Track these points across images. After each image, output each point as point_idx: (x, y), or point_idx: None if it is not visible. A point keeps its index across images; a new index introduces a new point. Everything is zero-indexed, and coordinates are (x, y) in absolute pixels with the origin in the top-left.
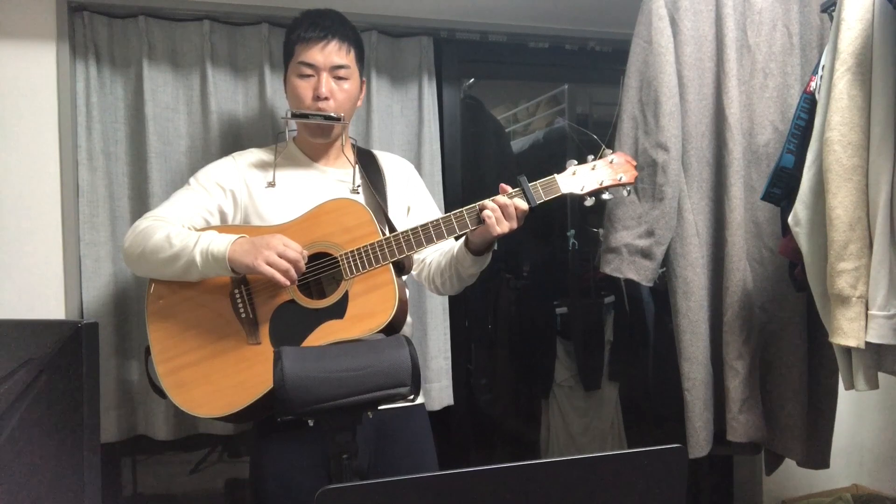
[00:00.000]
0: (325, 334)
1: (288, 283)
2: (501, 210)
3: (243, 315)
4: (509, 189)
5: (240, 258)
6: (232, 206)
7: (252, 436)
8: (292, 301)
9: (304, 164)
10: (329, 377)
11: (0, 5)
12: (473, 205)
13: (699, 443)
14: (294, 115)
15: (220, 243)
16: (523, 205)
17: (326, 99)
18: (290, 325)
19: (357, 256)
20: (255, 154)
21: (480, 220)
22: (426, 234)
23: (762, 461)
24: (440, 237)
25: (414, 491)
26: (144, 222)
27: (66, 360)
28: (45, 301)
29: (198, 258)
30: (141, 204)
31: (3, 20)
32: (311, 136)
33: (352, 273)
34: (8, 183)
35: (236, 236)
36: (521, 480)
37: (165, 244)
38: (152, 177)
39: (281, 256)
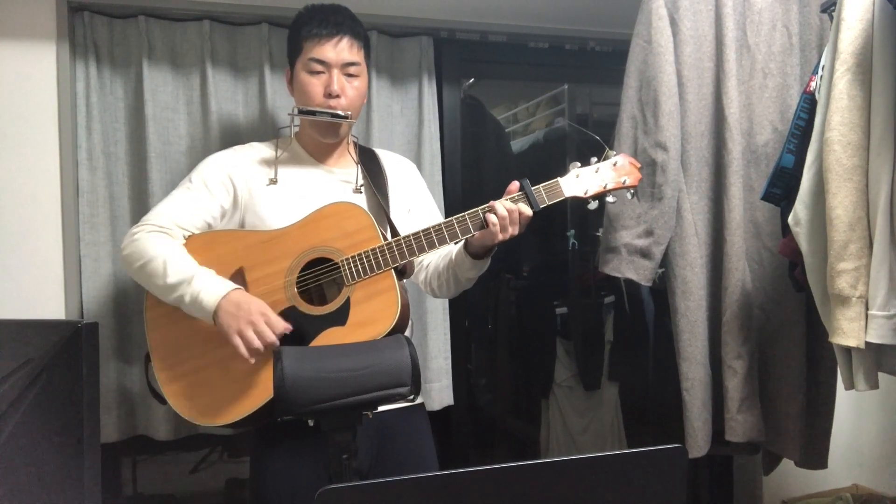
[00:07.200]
0: (327, 342)
1: (249, 358)
2: (503, 218)
3: None
4: (515, 191)
5: (222, 319)
6: (231, 204)
7: (252, 436)
8: (293, 307)
9: (308, 162)
10: (329, 377)
11: (0, 5)
12: (476, 209)
13: (698, 443)
14: (301, 112)
15: (211, 295)
16: (527, 210)
17: (338, 96)
18: (292, 333)
19: (358, 262)
20: (256, 149)
21: (482, 225)
22: (428, 239)
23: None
24: (442, 242)
25: (414, 491)
26: (144, 232)
27: (66, 360)
28: (45, 301)
29: (186, 299)
30: (141, 204)
31: (3, 20)
32: (321, 136)
33: (353, 279)
34: (8, 183)
35: (229, 289)
36: (521, 480)
37: (161, 271)
38: (152, 177)
39: (258, 334)
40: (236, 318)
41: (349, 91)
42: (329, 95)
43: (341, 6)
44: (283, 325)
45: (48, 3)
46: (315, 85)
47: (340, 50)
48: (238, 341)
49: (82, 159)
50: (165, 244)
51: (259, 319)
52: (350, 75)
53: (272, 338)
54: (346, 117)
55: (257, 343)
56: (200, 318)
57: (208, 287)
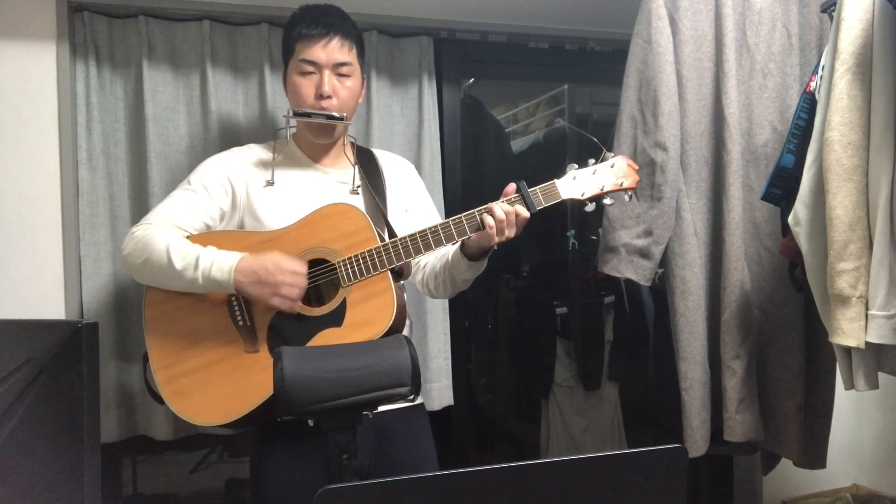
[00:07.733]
0: (323, 343)
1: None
2: (500, 220)
3: (241, 323)
4: (512, 193)
5: (247, 289)
6: (230, 205)
7: (252, 436)
8: None
9: (304, 164)
10: (329, 377)
11: (0, 5)
12: (472, 211)
13: (696, 442)
14: (296, 114)
15: (223, 267)
16: (524, 212)
17: (329, 97)
18: (288, 333)
19: (355, 263)
20: (254, 151)
21: (479, 227)
22: (424, 241)
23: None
24: (438, 244)
25: (414, 491)
26: (143, 230)
27: (66, 360)
28: (45, 301)
29: (200, 279)
30: (141, 204)
31: (3, 20)
32: (314, 137)
33: (350, 280)
34: (8, 183)
35: (238, 257)
36: (521, 480)
37: (166, 259)
38: (152, 177)
39: (292, 285)
40: (266, 284)
41: (341, 92)
42: (320, 97)
43: (332, 6)
44: (302, 269)
45: (48, 3)
46: (306, 86)
47: (330, 50)
48: (278, 302)
49: (82, 159)
50: (166, 235)
51: (285, 277)
52: (341, 75)
53: (304, 283)
54: (340, 119)
55: (297, 292)
56: (218, 291)
57: (217, 261)
